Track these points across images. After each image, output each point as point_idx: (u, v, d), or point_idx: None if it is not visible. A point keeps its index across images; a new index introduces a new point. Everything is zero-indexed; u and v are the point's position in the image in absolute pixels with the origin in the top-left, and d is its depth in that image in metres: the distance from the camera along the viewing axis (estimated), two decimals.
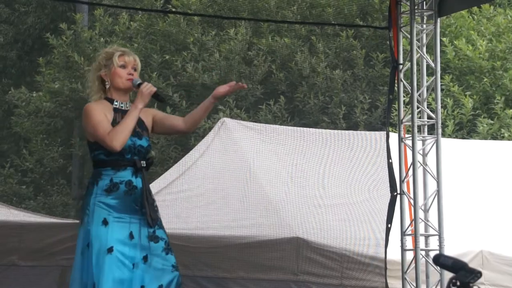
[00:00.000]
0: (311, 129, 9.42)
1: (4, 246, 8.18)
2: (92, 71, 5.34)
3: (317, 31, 13.28)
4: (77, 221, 8.58)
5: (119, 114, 5.14)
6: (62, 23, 13.91)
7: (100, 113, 5.09)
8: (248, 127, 8.84)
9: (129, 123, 5.05)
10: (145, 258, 5.01)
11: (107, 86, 5.22)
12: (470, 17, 13.07)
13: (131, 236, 5.01)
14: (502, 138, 11.52)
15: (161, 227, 5.19)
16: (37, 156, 14.13)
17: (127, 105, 5.20)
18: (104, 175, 5.08)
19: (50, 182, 14.47)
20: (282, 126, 9.53)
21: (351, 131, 9.73)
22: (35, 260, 8.25)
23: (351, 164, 8.30)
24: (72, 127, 14.49)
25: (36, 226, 8.30)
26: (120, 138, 5.02)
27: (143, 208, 5.07)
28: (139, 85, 5.16)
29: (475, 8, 13.20)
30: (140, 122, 5.17)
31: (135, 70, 5.23)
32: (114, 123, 5.09)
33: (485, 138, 11.38)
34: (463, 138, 11.43)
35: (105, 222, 4.98)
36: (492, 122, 11.74)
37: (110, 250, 4.93)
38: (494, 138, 11.53)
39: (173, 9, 13.35)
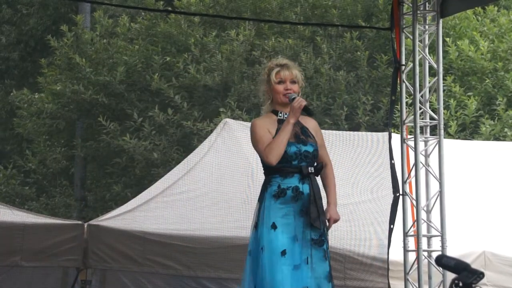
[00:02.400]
0: None
1: (7, 247, 8.19)
2: (260, 83, 5.71)
3: (320, 32, 13.27)
4: (80, 222, 8.64)
5: (280, 125, 5.43)
6: (63, 25, 13.92)
7: (262, 129, 5.44)
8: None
9: (282, 139, 5.35)
10: (306, 260, 5.26)
11: (268, 103, 5.56)
12: (475, 18, 13.06)
13: (295, 238, 5.27)
14: (505, 138, 11.50)
15: (326, 233, 5.39)
16: (39, 157, 14.14)
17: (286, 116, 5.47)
18: (273, 182, 5.39)
19: (53, 183, 14.48)
20: None
21: (353, 132, 9.73)
22: (38, 261, 8.26)
23: (353, 165, 8.30)
24: (74, 129, 14.50)
25: (39, 227, 8.30)
26: (274, 153, 5.34)
27: (309, 212, 5.31)
28: (293, 99, 5.43)
29: (479, 9, 13.19)
30: (303, 130, 5.48)
31: (294, 82, 5.51)
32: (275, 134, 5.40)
33: (488, 139, 11.36)
34: (465, 139, 11.41)
35: (274, 226, 5.29)
36: (494, 123, 11.73)
37: (283, 253, 5.23)
38: (497, 139, 11.51)
39: (175, 10, 13.35)
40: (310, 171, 5.40)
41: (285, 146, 5.34)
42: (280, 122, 5.46)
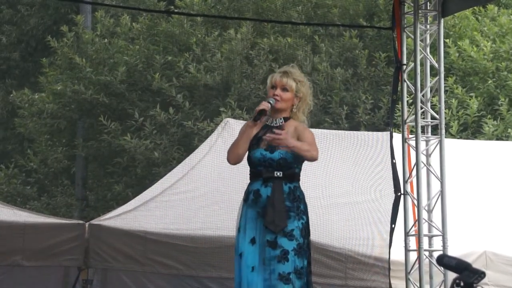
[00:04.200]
0: (314, 129, 9.40)
1: (8, 247, 8.18)
2: None
3: (321, 31, 13.27)
4: (81, 222, 8.64)
5: (266, 131, 5.60)
6: (63, 25, 13.93)
7: (241, 132, 5.62)
8: None
9: (237, 140, 5.63)
10: (263, 262, 5.40)
11: None
12: (474, 17, 13.04)
13: (253, 241, 5.45)
14: (508, 139, 11.49)
15: (287, 235, 5.45)
16: (41, 157, 14.14)
17: (278, 121, 5.64)
18: (247, 187, 5.66)
19: (54, 182, 14.48)
20: None
21: (354, 131, 9.73)
22: (39, 261, 8.26)
23: (354, 164, 8.30)
24: (76, 128, 14.51)
25: (40, 227, 8.30)
26: (229, 153, 5.66)
27: (265, 214, 5.44)
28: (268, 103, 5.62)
29: (479, 8, 13.16)
30: None
31: (286, 90, 5.65)
32: (254, 138, 5.60)
33: (490, 139, 11.34)
34: (467, 139, 11.40)
35: (238, 229, 5.52)
36: (497, 123, 11.71)
37: (241, 255, 5.45)
38: (499, 139, 11.49)
39: (177, 10, 13.34)
40: (275, 175, 5.52)
41: (241, 148, 5.57)
42: (265, 127, 5.63)
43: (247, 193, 5.59)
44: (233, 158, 5.62)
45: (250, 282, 5.37)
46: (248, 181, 5.76)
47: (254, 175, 5.61)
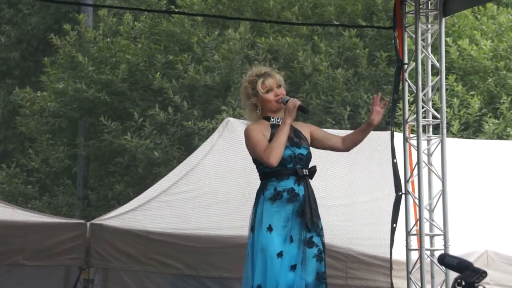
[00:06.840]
0: None
1: (9, 246, 8.18)
2: (242, 96, 5.69)
3: (319, 31, 13.25)
4: (82, 221, 8.64)
5: (276, 129, 5.48)
6: (66, 24, 13.93)
7: (257, 133, 5.47)
8: None
9: (280, 140, 5.41)
10: (302, 261, 5.34)
11: (258, 113, 5.58)
12: (473, 16, 13.02)
13: (291, 239, 5.35)
14: (508, 137, 11.49)
15: (319, 234, 5.46)
16: (42, 156, 14.14)
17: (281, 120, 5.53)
18: (269, 186, 5.45)
19: (56, 182, 14.49)
20: None
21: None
22: (40, 260, 8.26)
23: (355, 164, 8.29)
24: (77, 127, 14.51)
25: (41, 226, 8.30)
26: (274, 154, 5.38)
27: (304, 213, 5.38)
28: (287, 101, 5.50)
29: (479, 7, 13.14)
30: (297, 133, 5.55)
31: (280, 86, 5.57)
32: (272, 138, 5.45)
33: (491, 138, 11.34)
34: (468, 138, 11.40)
35: (269, 229, 5.36)
36: (498, 121, 11.71)
37: (279, 254, 5.31)
38: (500, 137, 11.49)
39: (177, 9, 13.34)
40: (305, 173, 5.46)
41: (284, 147, 5.39)
42: (273, 127, 5.50)
43: (277, 191, 5.40)
44: (279, 159, 5.38)
45: (291, 281, 5.28)
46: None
47: (281, 174, 5.41)
